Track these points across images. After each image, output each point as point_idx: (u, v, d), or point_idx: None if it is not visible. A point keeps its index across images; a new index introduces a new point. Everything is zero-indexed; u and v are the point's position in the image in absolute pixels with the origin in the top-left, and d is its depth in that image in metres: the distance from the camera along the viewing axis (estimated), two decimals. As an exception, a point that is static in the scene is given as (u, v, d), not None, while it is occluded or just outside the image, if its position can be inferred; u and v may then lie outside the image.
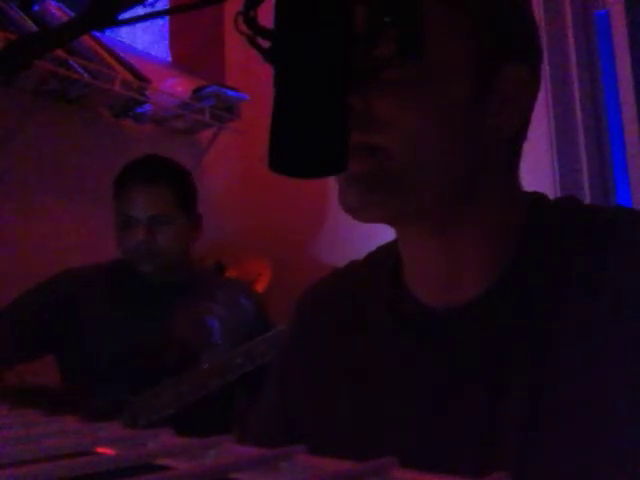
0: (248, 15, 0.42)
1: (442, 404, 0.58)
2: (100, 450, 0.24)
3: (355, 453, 0.56)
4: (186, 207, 1.58)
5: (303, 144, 0.40)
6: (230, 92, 2.21)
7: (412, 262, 0.64)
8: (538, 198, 0.63)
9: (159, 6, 2.38)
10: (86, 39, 1.83)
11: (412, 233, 0.63)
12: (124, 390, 1.38)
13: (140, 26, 2.41)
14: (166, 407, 1.38)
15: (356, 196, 0.57)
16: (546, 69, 1.88)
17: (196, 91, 2.16)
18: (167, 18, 2.47)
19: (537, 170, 1.79)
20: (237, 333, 1.55)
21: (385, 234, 0.72)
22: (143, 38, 2.41)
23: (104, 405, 1.34)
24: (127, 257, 1.56)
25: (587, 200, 1.82)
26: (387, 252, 0.69)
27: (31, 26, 1.72)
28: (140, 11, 0.45)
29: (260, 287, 2.09)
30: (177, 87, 2.17)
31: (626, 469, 0.50)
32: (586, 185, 1.86)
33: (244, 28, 0.43)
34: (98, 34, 1.92)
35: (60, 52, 1.74)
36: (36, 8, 1.77)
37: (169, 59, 2.45)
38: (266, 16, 0.42)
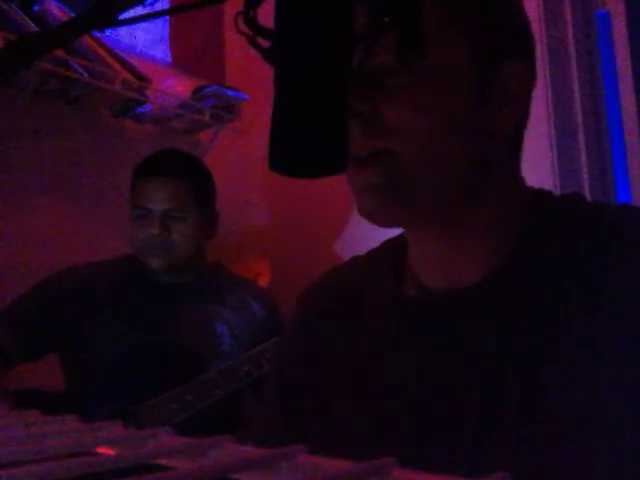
0: (248, 15, 0.42)
1: (441, 387, 0.59)
2: (100, 450, 0.24)
3: (355, 447, 0.57)
4: (203, 205, 1.55)
5: (303, 144, 0.40)
6: (230, 92, 2.21)
7: (419, 252, 0.65)
8: (541, 195, 0.64)
9: (159, 6, 2.38)
10: (86, 39, 1.82)
11: (420, 231, 0.64)
12: (127, 393, 1.37)
13: (140, 26, 2.40)
14: (171, 416, 1.36)
15: (374, 202, 0.59)
16: (546, 69, 1.88)
17: (196, 91, 2.16)
18: (167, 18, 2.47)
19: (537, 170, 1.79)
20: (246, 340, 1.52)
21: (385, 233, 0.73)
22: (143, 38, 2.41)
23: (107, 413, 1.32)
24: (138, 251, 1.52)
25: (587, 200, 1.81)
26: (391, 247, 0.70)
27: (31, 26, 1.72)
28: (140, 11, 0.45)
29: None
30: (177, 87, 2.17)
31: (625, 469, 0.50)
32: (586, 185, 1.86)
33: (244, 28, 0.43)
34: (98, 34, 1.92)
35: (60, 52, 1.74)
36: (36, 8, 1.76)
37: (169, 59, 2.45)
38: (266, 16, 0.42)
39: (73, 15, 1.83)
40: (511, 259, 0.60)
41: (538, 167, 1.82)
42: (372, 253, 0.73)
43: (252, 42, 0.45)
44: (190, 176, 1.54)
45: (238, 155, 2.40)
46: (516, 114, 0.60)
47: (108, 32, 2.13)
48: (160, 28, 2.46)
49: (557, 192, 0.66)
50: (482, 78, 0.58)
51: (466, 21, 0.58)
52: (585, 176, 1.87)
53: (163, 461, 0.23)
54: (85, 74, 1.83)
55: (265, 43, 0.43)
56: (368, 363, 0.65)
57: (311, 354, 0.71)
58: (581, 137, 1.89)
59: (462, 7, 0.58)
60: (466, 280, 0.61)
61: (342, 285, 0.73)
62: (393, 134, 0.56)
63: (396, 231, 0.69)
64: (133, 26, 2.37)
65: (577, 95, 1.91)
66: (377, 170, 0.57)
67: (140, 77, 1.98)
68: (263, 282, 2.13)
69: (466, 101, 0.58)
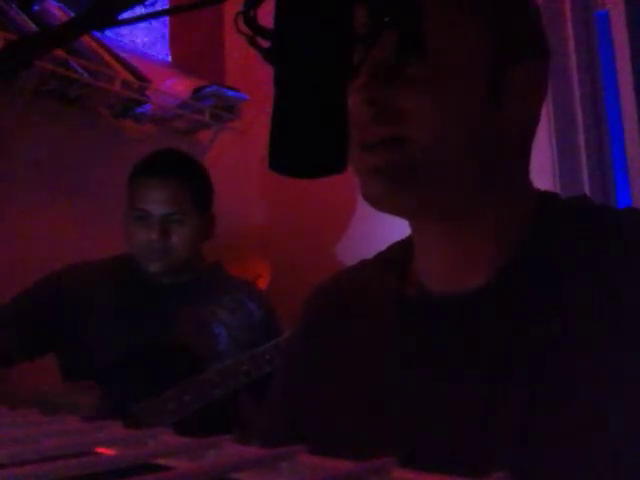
0: (248, 15, 0.42)
1: (442, 388, 0.59)
2: (100, 450, 0.24)
3: (355, 447, 0.56)
4: (201, 207, 1.54)
5: (303, 144, 0.40)
6: (230, 92, 2.21)
7: (424, 254, 0.65)
8: (547, 197, 0.64)
9: (159, 6, 2.38)
10: (86, 39, 1.82)
11: (427, 227, 0.64)
12: (125, 392, 1.37)
13: (140, 26, 2.41)
14: (170, 416, 1.36)
15: (381, 186, 0.59)
16: (546, 69, 1.87)
17: (196, 91, 2.16)
18: (167, 18, 2.47)
19: (537, 170, 1.79)
20: (243, 339, 1.52)
21: (385, 237, 0.73)
22: (143, 38, 2.41)
23: (105, 411, 1.33)
24: (136, 253, 1.52)
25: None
26: (397, 250, 0.70)
27: (31, 26, 1.72)
28: (140, 11, 0.45)
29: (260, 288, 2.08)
30: (177, 87, 2.17)
31: (625, 469, 0.50)
32: (586, 185, 1.86)
33: (244, 28, 0.43)
34: (98, 34, 1.92)
35: (60, 52, 1.74)
36: (36, 8, 1.77)
37: (169, 59, 2.45)
38: (266, 16, 0.42)
39: (73, 15, 1.83)
40: (515, 261, 0.60)
41: (538, 167, 1.82)
42: (379, 255, 0.73)
43: (252, 42, 0.45)
44: (190, 178, 1.54)
45: (238, 155, 2.40)
46: (525, 117, 0.61)
47: (108, 32, 2.13)
48: (160, 28, 2.46)
49: (557, 192, 0.66)
50: (494, 79, 0.58)
51: (481, 22, 0.59)
52: (585, 176, 1.87)
53: (163, 461, 0.23)
54: (85, 74, 1.83)
55: (265, 43, 0.43)
56: (369, 363, 0.65)
57: (314, 355, 0.71)
58: (581, 137, 1.89)
59: (479, 8, 0.59)
60: (470, 283, 0.61)
61: (348, 287, 0.73)
62: (408, 122, 0.56)
63: (398, 231, 0.69)
64: (133, 26, 2.37)
65: (577, 95, 1.91)
66: (386, 154, 0.57)
67: (140, 77, 1.98)
68: (263, 283, 2.13)
69: (477, 100, 0.58)
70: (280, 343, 1.39)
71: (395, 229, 0.72)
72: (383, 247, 0.74)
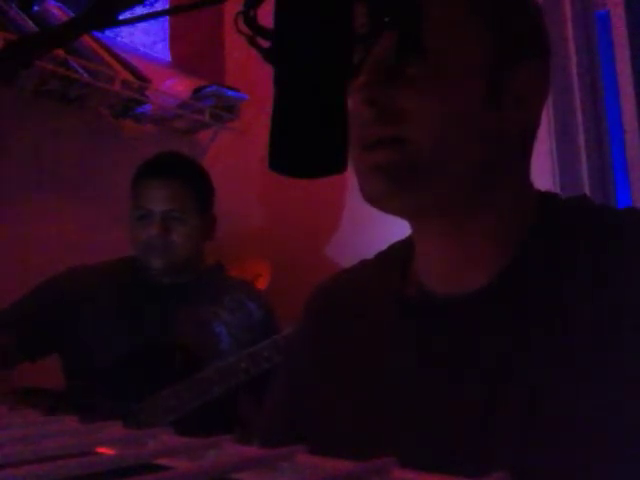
0: (248, 15, 0.42)
1: (442, 387, 0.59)
2: (100, 450, 0.24)
3: (355, 447, 0.56)
4: (202, 207, 1.58)
5: (303, 144, 0.40)
6: (230, 92, 2.21)
7: (424, 254, 0.65)
8: (547, 197, 0.64)
9: (159, 6, 2.38)
10: (86, 39, 1.82)
11: (428, 227, 0.64)
12: (125, 392, 1.37)
13: (140, 26, 2.40)
14: (169, 413, 1.37)
15: (381, 185, 0.58)
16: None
17: (196, 91, 2.16)
18: (167, 18, 2.47)
19: (537, 170, 1.79)
20: (243, 338, 1.54)
21: (385, 237, 0.73)
22: (143, 38, 2.41)
23: (106, 410, 1.33)
24: (138, 251, 1.54)
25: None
26: (398, 249, 0.70)
27: (31, 26, 1.72)
28: (140, 11, 0.45)
29: (259, 288, 2.09)
30: (177, 87, 2.17)
31: (625, 469, 0.50)
32: (586, 185, 1.86)
33: (244, 28, 0.43)
34: (98, 34, 1.92)
35: (60, 52, 1.74)
36: (36, 8, 1.77)
37: (169, 59, 2.45)
38: (266, 16, 0.42)
39: (73, 15, 1.83)
40: (516, 261, 0.59)
41: (538, 167, 1.82)
42: (380, 255, 0.73)
43: (252, 42, 0.45)
44: (191, 178, 1.57)
45: (238, 155, 2.39)
46: (525, 119, 0.61)
47: (108, 32, 2.13)
48: (160, 28, 2.46)
49: (557, 192, 0.66)
50: (494, 79, 0.58)
51: (482, 22, 0.59)
52: (585, 176, 1.87)
53: (163, 461, 0.23)
54: (85, 74, 1.83)
55: (265, 43, 0.43)
56: (370, 363, 0.65)
57: (315, 355, 0.71)
58: (581, 137, 1.89)
59: (480, 8, 0.59)
60: (470, 283, 0.61)
61: (348, 287, 0.73)
62: (408, 122, 0.56)
63: (398, 231, 0.69)
64: (133, 26, 2.37)
65: (577, 95, 1.91)
66: (387, 153, 0.57)
67: (140, 77, 1.98)
68: (263, 283, 2.13)
69: (478, 101, 0.58)
70: (278, 340, 1.40)
71: (395, 229, 0.72)
72: (382, 247, 0.74)
